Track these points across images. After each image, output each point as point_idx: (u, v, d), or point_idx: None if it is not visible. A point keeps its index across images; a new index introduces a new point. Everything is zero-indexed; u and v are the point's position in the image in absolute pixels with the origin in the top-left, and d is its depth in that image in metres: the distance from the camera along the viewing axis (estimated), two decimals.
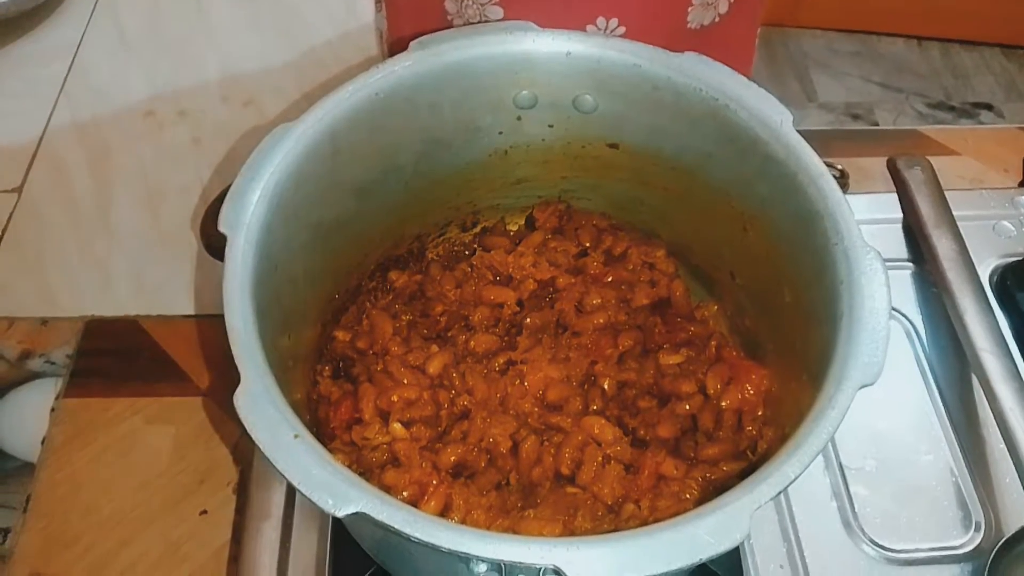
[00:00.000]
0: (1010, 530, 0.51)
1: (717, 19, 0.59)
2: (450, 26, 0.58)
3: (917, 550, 0.52)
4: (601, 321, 0.52)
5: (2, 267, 0.65)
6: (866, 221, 0.63)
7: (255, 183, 0.43)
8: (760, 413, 0.48)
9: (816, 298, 0.43)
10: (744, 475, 0.36)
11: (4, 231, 0.67)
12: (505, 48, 0.49)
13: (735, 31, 0.62)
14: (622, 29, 0.56)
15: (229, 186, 0.43)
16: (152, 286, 0.64)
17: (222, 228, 0.41)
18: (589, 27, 0.56)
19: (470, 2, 0.55)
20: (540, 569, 0.33)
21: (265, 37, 0.82)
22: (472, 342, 0.51)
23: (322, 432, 0.47)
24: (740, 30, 0.63)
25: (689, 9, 0.57)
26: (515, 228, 0.59)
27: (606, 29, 0.56)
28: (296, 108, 0.75)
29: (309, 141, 0.45)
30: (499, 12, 0.55)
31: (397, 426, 0.46)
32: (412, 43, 0.48)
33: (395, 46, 0.66)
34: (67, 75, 0.78)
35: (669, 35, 0.58)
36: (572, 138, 0.53)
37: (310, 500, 0.34)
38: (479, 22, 0.56)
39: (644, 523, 0.40)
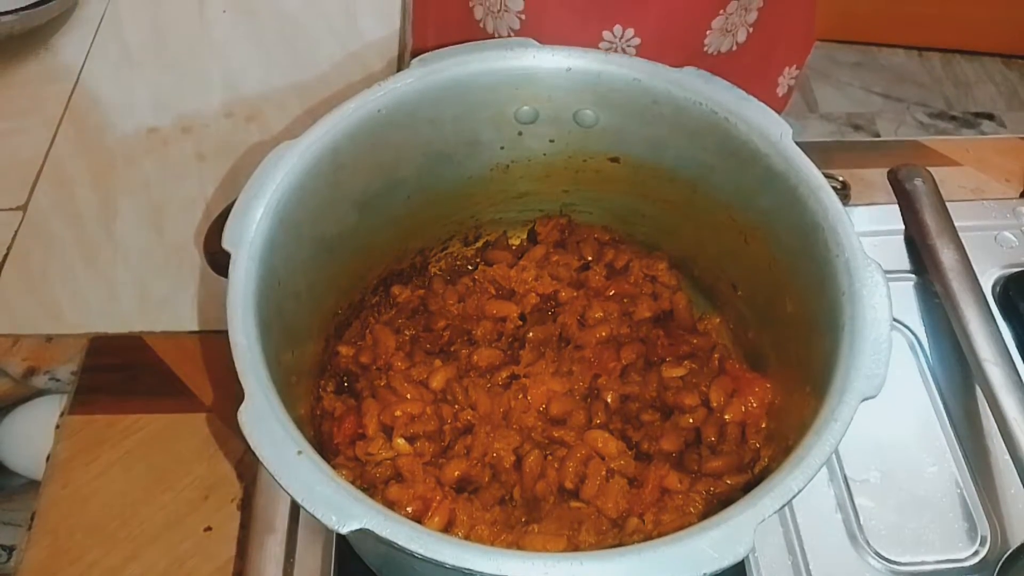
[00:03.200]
0: (1016, 542, 0.51)
1: (735, 47, 0.59)
2: (472, 12, 0.58)
3: (923, 562, 0.51)
4: (604, 334, 0.52)
5: (7, 284, 0.65)
6: (868, 232, 0.64)
7: (258, 199, 0.43)
8: (764, 426, 0.48)
9: (818, 310, 0.43)
10: (748, 488, 0.36)
11: (9, 248, 0.67)
12: (506, 64, 0.49)
13: (754, 63, 0.62)
14: (637, 40, 0.56)
15: (233, 202, 0.43)
16: (156, 302, 0.64)
17: (226, 245, 0.41)
18: (606, 33, 0.56)
19: None
20: None
21: (268, 54, 0.83)
22: (475, 356, 0.51)
23: (326, 447, 0.47)
24: (759, 63, 0.63)
25: (708, 32, 0.57)
26: (517, 242, 0.59)
27: (621, 38, 0.56)
28: (299, 124, 0.75)
29: (312, 157, 0.45)
30: (519, 3, 0.55)
31: (401, 441, 0.46)
32: (413, 60, 0.48)
33: (419, 31, 0.66)
34: (72, 92, 0.79)
35: (685, 55, 0.58)
36: (573, 152, 0.53)
37: (314, 517, 0.34)
38: (499, 10, 0.56)
39: (648, 537, 0.40)
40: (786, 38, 0.65)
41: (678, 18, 0.57)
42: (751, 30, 0.59)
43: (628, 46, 0.56)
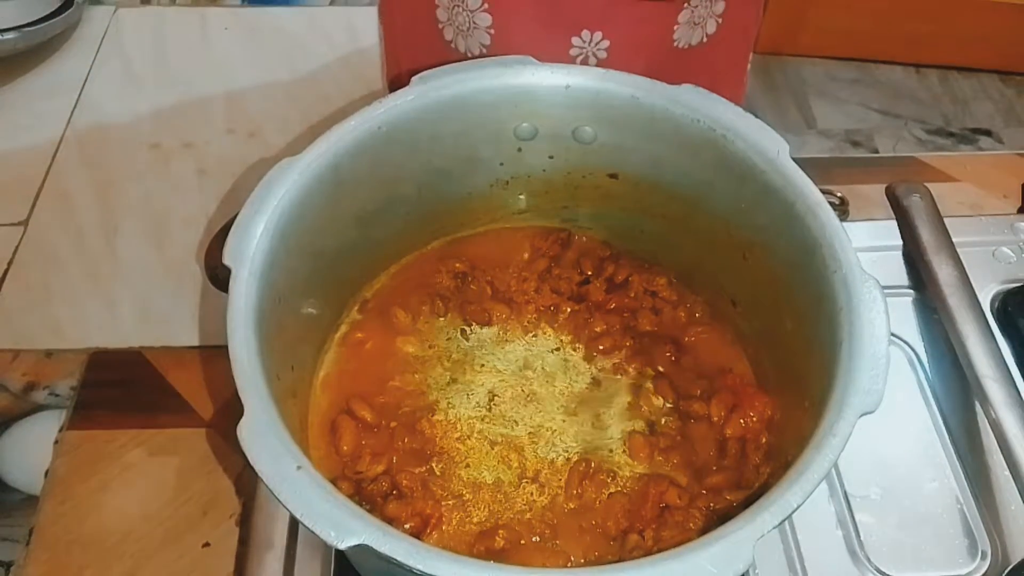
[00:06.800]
0: (1016, 557, 0.51)
1: (705, 39, 0.60)
2: (442, 34, 0.59)
3: None
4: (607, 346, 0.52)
5: (8, 299, 0.65)
6: (866, 248, 0.64)
7: (259, 216, 0.43)
8: (763, 441, 0.47)
9: (816, 325, 0.43)
10: (748, 504, 0.36)
11: (10, 263, 0.67)
12: (505, 81, 0.50)
13: (724, 54, 0.62)
14: (606, 42, 0.56)
15: (234, 218, 0.43)
16: (157, 317, 0.64)
17: (226, 260, 0.42)
18: (575, 39, 0.56)
19: (460, 10, 0.56)
20: None
21: (270, 69, 0.83)
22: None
23: None
24: (729, 53, 0.63)
25: (675, 27, 0.57)
26: None
27: (590, 42, 0.56)
28: (300, 140, 0.76)
29: (313, 174, 0.45)
30: (487, 19, 0.55)
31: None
32: (414, 78, 0.49)
33: (391, 56, 0.66)
34: (74, 108, 0.79)
35: (655, 52, 0.58)
36: (572, 169, 0.53)
37: (313, 532, 0.34)
38: (468, 29, 0.56)
39: (648, 553, 0.39)
40: (754, 25, 0.65)
41: (646, 16, 0.57)
42: (720, 20, 0.59)
43: (598, 49, 0.56)
